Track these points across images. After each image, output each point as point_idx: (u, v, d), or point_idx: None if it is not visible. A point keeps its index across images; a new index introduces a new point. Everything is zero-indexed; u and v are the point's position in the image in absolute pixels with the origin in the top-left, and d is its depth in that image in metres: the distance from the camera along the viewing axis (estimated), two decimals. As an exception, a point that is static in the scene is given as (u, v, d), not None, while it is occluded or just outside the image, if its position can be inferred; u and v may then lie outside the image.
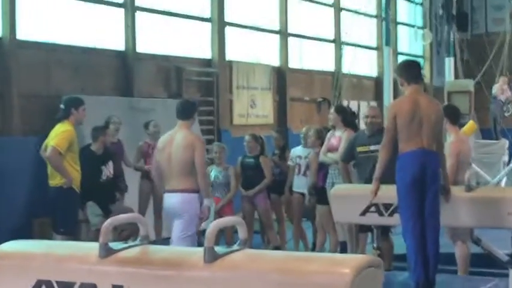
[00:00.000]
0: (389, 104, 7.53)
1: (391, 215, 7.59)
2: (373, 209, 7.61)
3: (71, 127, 8.96)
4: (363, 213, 7.74)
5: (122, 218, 4.19)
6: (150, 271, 3.74)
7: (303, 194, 10.70)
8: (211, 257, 3.65)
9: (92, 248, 3.92)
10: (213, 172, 10.66)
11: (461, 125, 9.75)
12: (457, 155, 8.19)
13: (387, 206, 7.53)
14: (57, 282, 3.87)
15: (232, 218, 4.01)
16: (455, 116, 8.66)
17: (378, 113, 9.59)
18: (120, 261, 3.82)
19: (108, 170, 9.97)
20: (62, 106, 9.14)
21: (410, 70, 7.46)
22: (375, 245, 8.03)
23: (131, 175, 11.23)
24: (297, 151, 10.97)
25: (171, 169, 7.86)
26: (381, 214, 7.60)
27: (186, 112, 8.15)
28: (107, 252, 3.85)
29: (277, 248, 10.64)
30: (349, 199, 7.95)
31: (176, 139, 7.93)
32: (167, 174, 7.93)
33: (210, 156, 10.88)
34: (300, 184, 10.74)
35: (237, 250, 3.77)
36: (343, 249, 10.10)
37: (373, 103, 21.97)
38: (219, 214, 10.50)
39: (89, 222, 9.84)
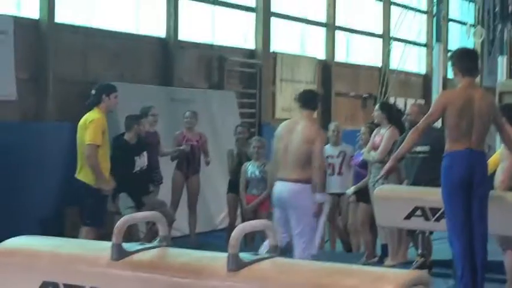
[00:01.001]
0: (442, 92, 6.89)
1: (437, 220, 7.08)
2: (418, 212, 7.10)
3: (101, 115, 8.51)
4: (408, 217, 7.24)
5: (138, 216, 3.78)
6: (167, 277, 3.33)
7: (338, 195, 10.23)
8: (236, 265, 3.22)
9: (104, 248, 3.52)
10: (250, 168, 10.24)
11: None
12: None
13: (434, 211, 7.01)
14: (64, 285, 3.50)
15: (261, 221, 3.56)
16: None
17: (416, 110, 9.03)
18: (134, 264, 3.42)
19: (142, 161, 9.57)
20: (92, 92, 8.71)
21: (466, 61, 6.88)
22: (419, 252, 7.52)
23: (165, 167, 10.85)
24: (326, 150, 10.46)
25: (286, 158, 7.74)
26: (427, 219, 7.08)
27: (310, 102, 7.97)
28: (119, 254, 3.44)
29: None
30: (393, 201, 7.46)
31: (297, 129, 7.79)
32: (282, 163, 7.80)
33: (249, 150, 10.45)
34: (336, 184, 10.26)
35: (265, 258, 3.33)
36: (384, 252, 9.63)
37: (421, 101, 21.47)
38: (254, 212, 10.21)
39: (121, 214, 9.45)
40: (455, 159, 6.60)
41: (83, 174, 8.45)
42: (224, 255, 3.30)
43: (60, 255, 3.57)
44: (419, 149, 8.53)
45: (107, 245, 3.52)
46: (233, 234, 3.28)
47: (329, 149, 10.43)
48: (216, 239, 11.13)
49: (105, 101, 8.56)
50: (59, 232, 10.98)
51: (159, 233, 3.67)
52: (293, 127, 7.85)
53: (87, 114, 8.54)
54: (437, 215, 7.07)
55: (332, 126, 10.76)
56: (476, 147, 6.64)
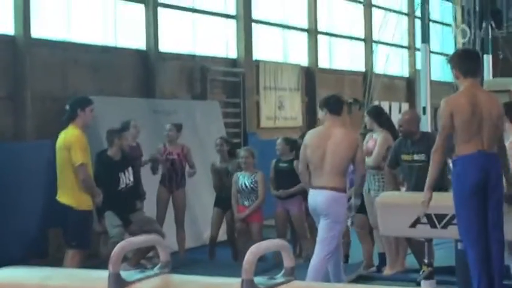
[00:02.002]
0: (444, 100, 6.52)
1: (445, 227, 6.72)
2: (424, 220, 6.72)
3: (79, 131, 8.05)
4: (413, 225, 6.88)
5: (137, 241, 3.40)
6: (172, 309, 2.95)
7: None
8: (251, 293, 2.85)
9: (100, 278, 3.13)
10: (241, 178, 9.95)
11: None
12: None
13: (441, 217, 6.65)
14: (56, 322, 3.09)
15: (276, 241, 3.18)
16: None
17: (407, 118, 8.77)
18: (135, 296, 3.03)
19: (127, 178, 9.17)
20: (67, 107, 8.25)
21: (467, 61, 6.56)
22: (425, 261, 7.16)
23: (149, 182, 10.48)
24: None
25: (323, 166, 7.57)
26: (433, 226, 6.71)
27: (339, 108, 7.78)
28: (118, 284, 3.07)
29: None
30: (396, 209, 7.09)
31: (334, 136, 7.60)
32: (317, 171, 7.63)
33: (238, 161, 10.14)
34: None
35: (282, 283, 2.96)
36: (382, 262, 9.38)
37: (405, 105, 21.23)
38: (245, 222, 9.97)
39: (107, 234, 9.06)
40: (468, 163, 6.26)
41: (65, 197, 8.02)
42: (237, 281, 2.93)
43: (50, 288, 3.19)
44: (416, 157, 8.45)
45: (102, 275, 3.14)
46: (247, 257, 2.91)
47: None
48: (206, 254, 10.76)
49: (81, 116, 8.10)
50: (43, 253, 10.61)
51: (160, 259, 3.29)
52: (328, 134, 7.63)
53: (64, 133, 8.07)
54: (444, 221, 6.71)
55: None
56: (489, 149, 6.30)
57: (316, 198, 7.56)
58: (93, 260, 9.77)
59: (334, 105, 7.73)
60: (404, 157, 8.57)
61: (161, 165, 10.51)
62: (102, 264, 8.69)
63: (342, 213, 7.58)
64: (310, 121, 17.53)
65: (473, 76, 6.48)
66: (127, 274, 3.14)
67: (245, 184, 9.93)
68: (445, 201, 6.44)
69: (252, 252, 2.93)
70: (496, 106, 6.48)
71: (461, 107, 6.33)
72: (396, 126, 9.16)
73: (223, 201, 10.35)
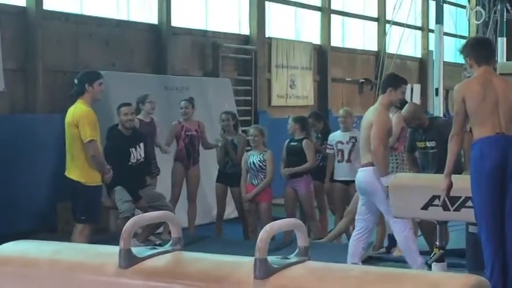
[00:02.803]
0: (456, 86, 6.48)
1: (457, 209, 6.64)
2: (436, 202, 6.65)
3: (87, 107, 7.92)
4: (425, 207, 6.81)
5: (149, 217, 3.34)
6: (184, 287, 2.90)
7: (346, 183, 9.83)
8: (264, 272, 2.80)
9: (110, 254, 3.08)
10: (250, 157, 9.87)
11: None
12: None
13: (454, 199, 6.57)
14: (65, 297, 3.04)
15: (290, 220, 3.11)
16: None
17: (410, 117, 8.73)
18: (146, 272, 2.98)
19: (138, 153, 9.12)
20: (75, 82, 8.10)
21: (480, 49, 6.50)
22: (437, 244, 7.10)
23: (164, 157, 10.44)
24: (336, 136, 10.09)
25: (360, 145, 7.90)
26: (446, 208, 6.63)
27: (384, 85, 7.87)
28: (129, 260, 3.01)
29: (319, 239, 9.80)
30: (409, 190, 7.02)
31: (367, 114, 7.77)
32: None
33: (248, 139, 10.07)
34: (345, 171, 9.87)
35: (296, 262, 2.91)
36: (391, 243, 9.29)
37: (417, 86, 21.10)
38: (254, 201, 9.88)
39: (117, 209, 9.03)
40: (486, 145, 6.15)
41: (74, 173, 7.92)
42: (249, 259, 2.88)
43: (60, 263, 3.13)
44: (428, 144, 8.57)
45: (113, 250, 3.08)
46: (261, 236, 2.84)
47: (339, 135, 10.10)
48: (214, 231, 10.74)
49: (89, 91, 7.92)
50: (52, 226, 10.61)
51: (172, 235, 3.24)
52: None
53: (72, 108, 7.92)
54: (457, 203, 6.63)
55: (341, 111, 10.38)
56: (508, 132, 6.21)
57: (357, 176, 7.82)
58: (102, 234, 9.77)
59: (382, 84, 7.96)
60: (419, 144, 8.69)
61: (177, 142, 10.42)
62: (111, 239, 8.71)
63: (380, 187, 7.48)
64: (322, 100, 17.46)
65: (487, 63, 6.41)
66: (138, 250, 3.08)
67: (253, 163, 9.84)
68: (458, 184, 6.36)
69: (266, 231, 2.86)
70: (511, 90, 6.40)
71: (473, 91, 6.27)
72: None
73: (226, 177, 10.28)
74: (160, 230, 9.88)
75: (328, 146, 10.09)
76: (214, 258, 3.08)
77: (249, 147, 10.13)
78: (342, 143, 9.99)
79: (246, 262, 2.89)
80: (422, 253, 8.87)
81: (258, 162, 9.82)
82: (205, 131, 10.66)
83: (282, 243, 9.19)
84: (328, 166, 10.13)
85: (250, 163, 9.86)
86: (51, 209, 10.75)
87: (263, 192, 9.86)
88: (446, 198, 6.49)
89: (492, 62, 6.63)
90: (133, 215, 8.68)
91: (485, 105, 6.22)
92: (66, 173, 8.01)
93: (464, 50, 6.66)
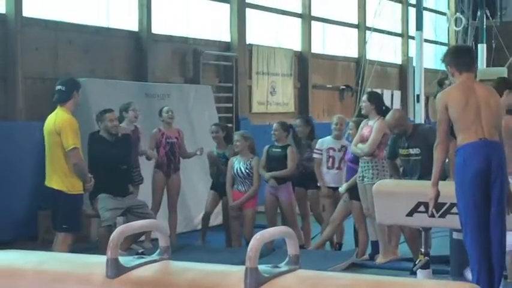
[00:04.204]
0: (439, 94, 6.53)
1: (443, 215, 6.62)
2: (422, 208, 6.63)
3: (69, 114, 7.86)
4: (410, 214, 6.78)
5: (136, 225, 3.29)
6: (173, 297, 2.84)
7: (333, 189, 9.80)
8: (255, 281, 2.76)
9: (97, 264, 3.03)
10: (236, 163, 9.81)
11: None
12: None
13: (439, 206, 6.53)
14: (51, 308, 2.98)
15: (281, 228, 3.07)
16: None
17: (395, 124, 8.69)
18: (134, 282, 2.95)
19: (121, 160, 9.03)
20: (61, 88, 8.01)
21: (461, 57, 6.57)
22: (422, 250, 7.07)
23: (144, 165, 10.36)
24: (326, 142, 10.03)
25: None
26: (431, 215, 6.61)
27: None
28: (116, 270, 2.97)
29: (301, 247, 9.73)
30: (393, 197, 6.99)
31: None
32: None
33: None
34: (334, 179, 9.83)
35: (287, 271, 2.86)
36: (374, 250, 9.32)
37: (397, 92, 21.16)
38: (240, 209, 9.83)
39: (99, 217, 8.93)
40: (470, 151, 6.17)
41: (56, 182, 7.82)
42: (239, 268, 2.83)
43: (46, 274, 3.08)
44: (411, 151, 8.47)
45: (100, 260, 3.04)
46: (251, 244, 2.80)
47: (330, 141, 10.02)
48: (196, 239, 10.68)
49: (75, 98, 7.95)
50: (33, 236, 10.50)
51: (160, 244, 3.19)
52: None
53: (53, 116, 7.84)
54: (442, 210, 6.61)
55: (335, 119, 10.28)
56: (491, 137, 6.22)
57: None
58: (83, 243, 9.67)
59: None
60: (402, 151, 8.59)
61: (157, 150, 10.36)
62: (92, 248, 8.63)
63: None
64: (302, 106, 17.43)
65: (468, 71, 6.47)
66: (125, 260, 3.04)
67: (240, 169, 9.79)
68: (443, 190, 6.33)
69: (257, 239, 2.82)
70: (493, 96, 6.45)
71: (455, 98, 6.31)
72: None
73: (220, 186, 10.19)
74: (142, 238, 9.81)
75: (315, 151, 10.02)
76: (203, 267, 3.03)
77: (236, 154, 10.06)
78: (333, 149, 9.94)
79: (235, 271, 2.85)
80: (405, 260, 8.89)
81: (246, 170, 9.77)
82: (184, 139, 10.61)
83: (265, 250, 9.14)
84: (317, 171, 10.04)
85: (236, 169, 9.81)
86: (32, 217, 10.62)
87: (249, 200, 9.82)
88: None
89: (473, 69, 6.67)
90: (115, 224, 8.64)
91: (468, 111, 6.25)
92: (47, 183, 7.90)
93: (445, 59, 6.74)
